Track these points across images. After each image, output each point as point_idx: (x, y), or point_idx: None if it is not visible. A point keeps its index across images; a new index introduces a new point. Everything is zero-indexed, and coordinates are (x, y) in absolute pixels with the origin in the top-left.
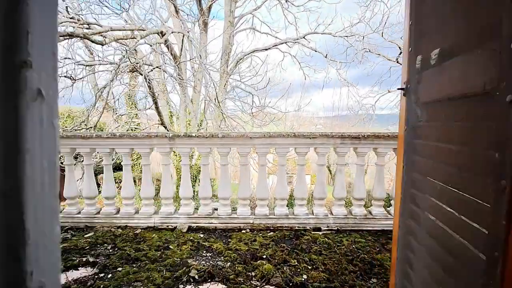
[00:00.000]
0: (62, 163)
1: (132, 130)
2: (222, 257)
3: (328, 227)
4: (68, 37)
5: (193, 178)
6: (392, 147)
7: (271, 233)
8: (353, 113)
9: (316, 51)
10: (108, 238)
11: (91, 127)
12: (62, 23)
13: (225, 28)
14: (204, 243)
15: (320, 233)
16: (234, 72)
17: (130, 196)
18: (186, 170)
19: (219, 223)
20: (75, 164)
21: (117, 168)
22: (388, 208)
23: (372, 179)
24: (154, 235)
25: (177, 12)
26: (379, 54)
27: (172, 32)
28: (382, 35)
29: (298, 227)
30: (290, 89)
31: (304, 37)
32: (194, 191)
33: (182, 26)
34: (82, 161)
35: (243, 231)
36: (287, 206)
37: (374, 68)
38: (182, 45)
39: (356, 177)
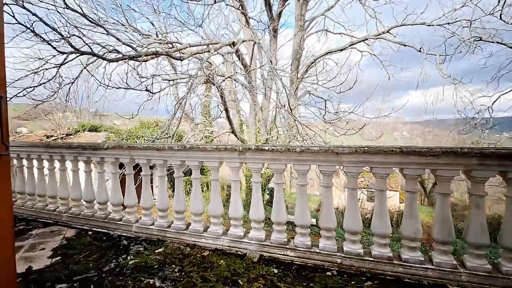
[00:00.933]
0: (140, 173)
1: (206, 137)
2: None
3: (459, 285)
4: (154, 55)
5: (262, 188)
6: None
7: (369, 282)
8: (461, 117)
9: (405, 45)
10: (176, 257)
11: (169, 136)
12: (151, 44)
13: (296, 32)
14: (279, 284)
15: None
16: (305, 77)
17: (199, 212)
18: (258, 188)
19: (296, 256)
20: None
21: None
22: None
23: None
24: (222, 261)
25: (248, 22)
26: (498, 42)
27: (243, 41)
28: (501, 18)
29: (408, 279)
30: (367, 92)
31: (389, 31)
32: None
33: (252, 35)
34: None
35: (328, 272)
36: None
37: (488, 60)
38: (252, 54)
39: (507, 216)
